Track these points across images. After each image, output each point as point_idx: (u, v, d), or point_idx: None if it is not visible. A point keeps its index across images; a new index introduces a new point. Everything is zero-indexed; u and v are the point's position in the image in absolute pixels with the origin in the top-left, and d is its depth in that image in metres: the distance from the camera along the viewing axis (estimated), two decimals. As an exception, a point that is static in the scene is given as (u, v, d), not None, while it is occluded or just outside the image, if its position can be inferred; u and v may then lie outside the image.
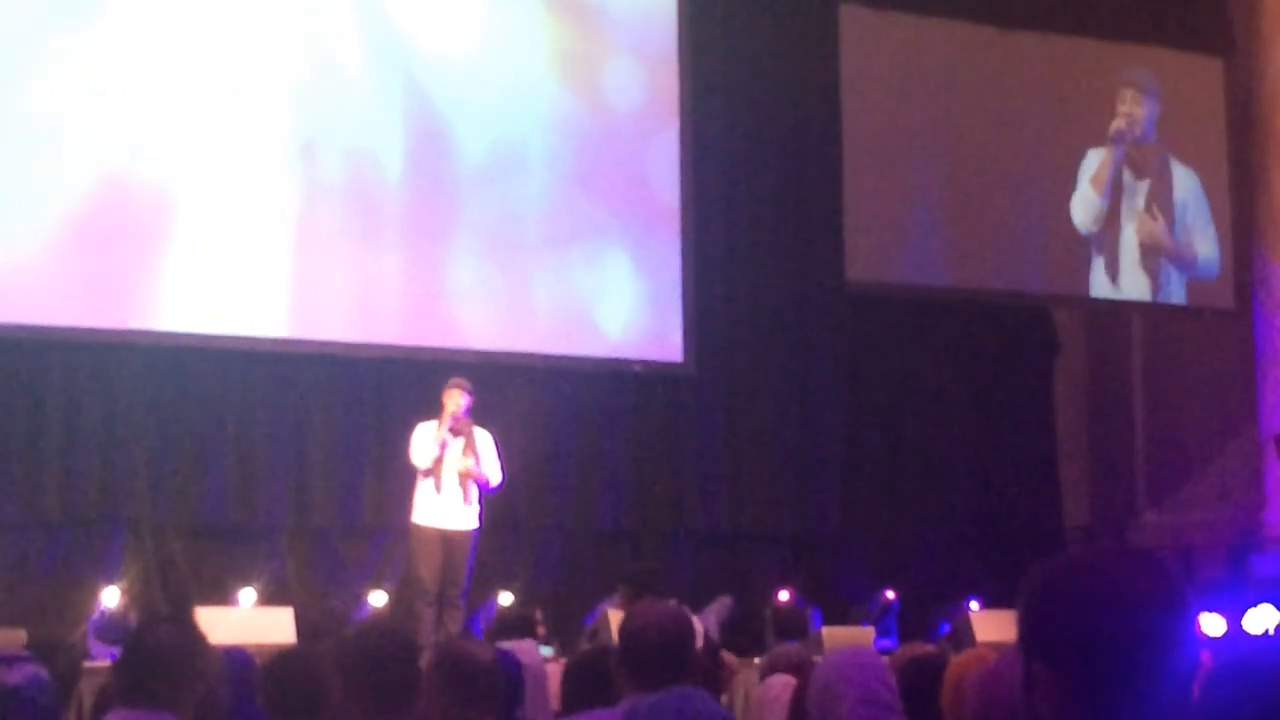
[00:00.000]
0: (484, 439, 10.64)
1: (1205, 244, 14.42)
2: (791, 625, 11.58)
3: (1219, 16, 14.66)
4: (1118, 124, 14.20)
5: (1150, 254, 14.22)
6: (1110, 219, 14.11)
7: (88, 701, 8.30)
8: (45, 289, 10.89)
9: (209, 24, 11.47)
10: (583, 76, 12.70)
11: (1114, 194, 14.12)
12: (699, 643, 4.76)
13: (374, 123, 11.93)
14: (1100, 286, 14.10)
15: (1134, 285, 14.22)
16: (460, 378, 10.65)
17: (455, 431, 10.46)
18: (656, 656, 3.94)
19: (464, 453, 10.48)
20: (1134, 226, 14.19)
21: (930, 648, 6.29)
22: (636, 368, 12.79)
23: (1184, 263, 14.34)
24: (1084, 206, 14.02)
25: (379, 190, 11.89)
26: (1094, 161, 14.11)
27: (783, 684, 6.04)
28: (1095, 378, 15.75)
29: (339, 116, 11.82)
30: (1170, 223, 14.31)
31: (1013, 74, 13.93)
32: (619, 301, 12.59)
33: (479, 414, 10.75)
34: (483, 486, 10.59)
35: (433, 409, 10.59)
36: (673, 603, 5.87)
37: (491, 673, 4.14)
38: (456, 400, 10.47)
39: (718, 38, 13.32)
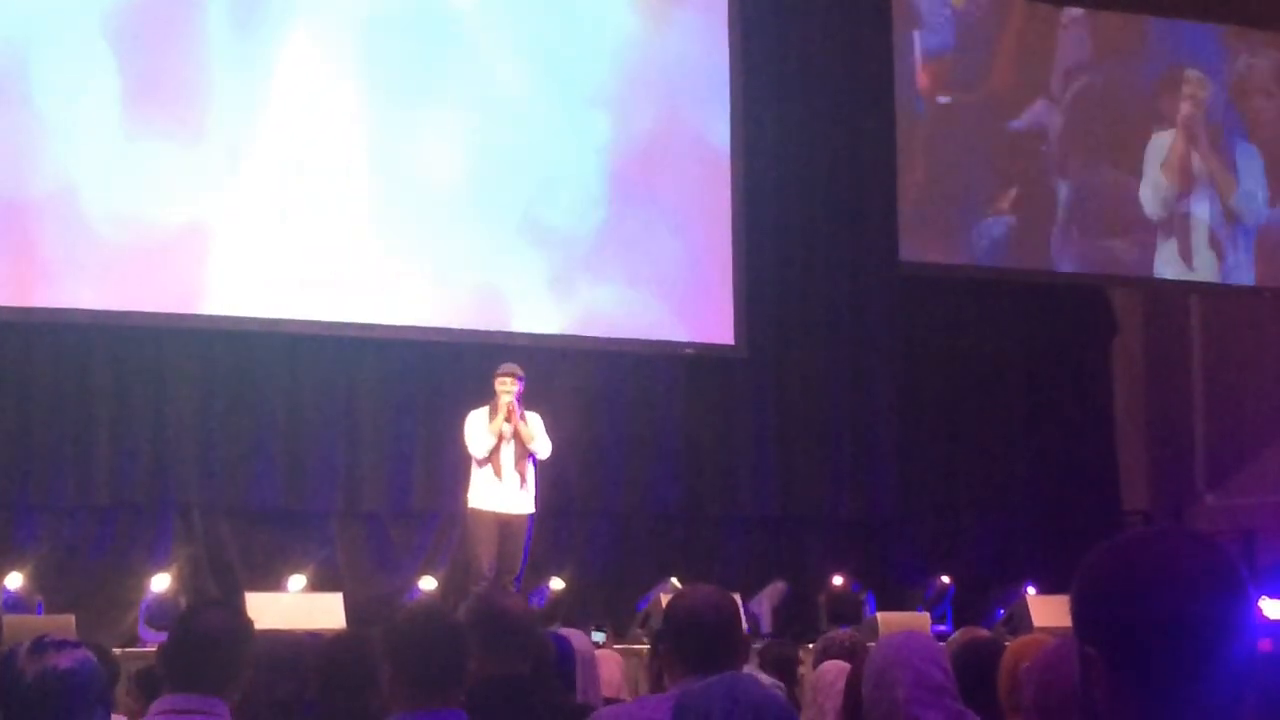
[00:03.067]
0: (534, 421, 10.61)
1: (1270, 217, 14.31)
2: (846, 610, 11.54)
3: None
4: (1185, 109, 14.03)
5: (1218, 233, 14.09)
6: (1179, 202, 13.97)
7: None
8: (94, 273, 10.92)
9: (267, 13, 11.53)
10: (635, 52, 12.65)
11: (1183, 178, 13.98)
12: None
13: (428, 111, 11.90)
14: (1171, 268, 13.97)
15: (1204, 266, 14.09)
16: (511, 364, 10.62)
17: (509, 421, 10.43)
18: (705, 641, 3.90)
19: (515, 436, 10.46)
20: (1203, 207, 14.04)
21: (985, 631, 6.23)
22: (688, 350, 12.73)
23: (1252, 236, 14.23)
24: (1155, 194, 13.88)
25: (429, 174, 11.85)
26: (1161, 145, 13.96)
27: (837, 669, 5.97)
28: (1154, 359, 15.60)
29: (395, 104, 11.81)
30: (1237, 200, 14.17)
31: (1075, 50, 13.80)
32: (670, 283, 12.52)
33: (531, 397, 10.73)
34: (533, 458, 10.58)
35: (484, 393, 10.57)
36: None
37: (525, 624, 4.41)
38: (509, 389, 10.43)
39: (769, 15, 13.23)
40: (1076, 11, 13.83)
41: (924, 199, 13.33)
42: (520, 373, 10.52)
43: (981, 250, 13.50)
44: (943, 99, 13.39)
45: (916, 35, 13.32)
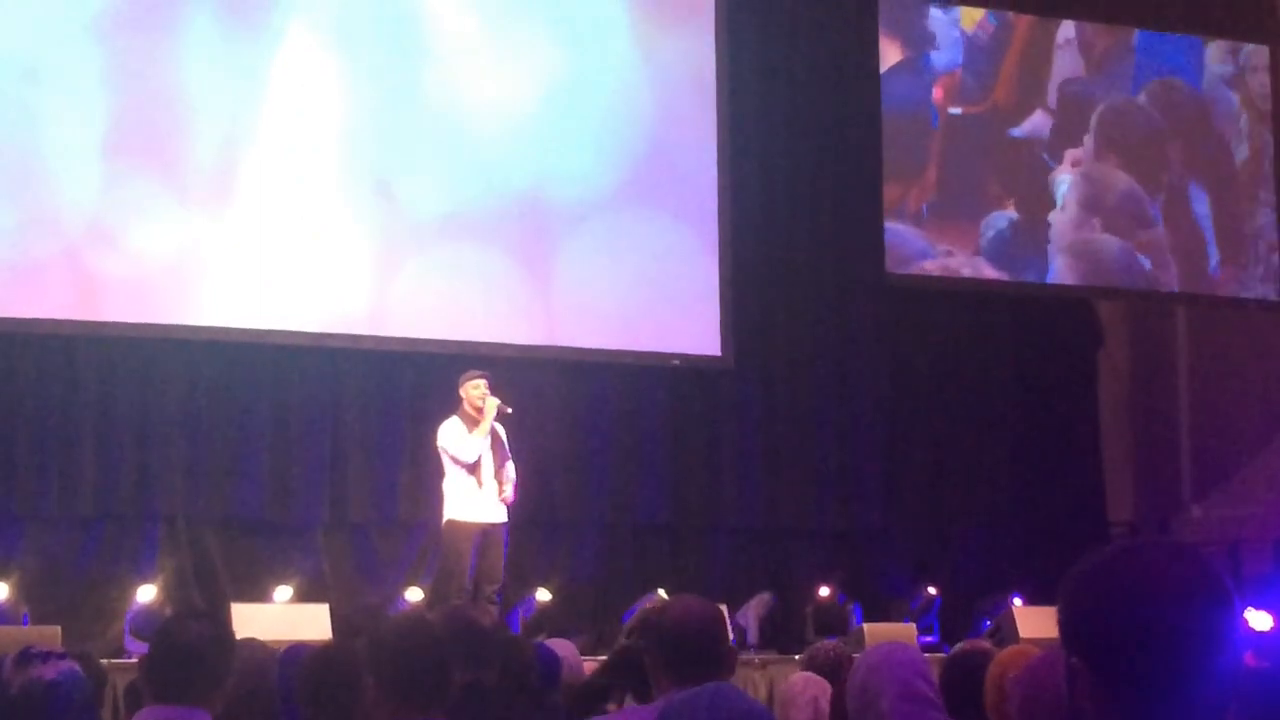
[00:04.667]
0: (500, 432, 10.58)
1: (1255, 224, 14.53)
2: (832, 621, 11.53)
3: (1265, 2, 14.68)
4: (1175, 114, 14.38)
5: (1205, 239, 14.26)
6: (1170, 208, 14.21)
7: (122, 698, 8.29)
8: (80, 285, 10.89)
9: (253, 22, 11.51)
10: (624, 67, 12.64)
11: (1173, 184, 14.26)
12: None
13: (415, 125, 11.89)
14: (1163, 273, 14.11)
15: (1192, 273, 14.23)
16: (474, 369, 10.57)
17: (496, 420, 10.39)
18: (690, 651, 3.89)
19: (493, 447, 10.40)
20: (1191, 212, 14.28)
21: (985, 644, 6.22)
22: (675, 362, 12.72)
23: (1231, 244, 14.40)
24: (1144, 198, 14.16)
25: (415, 187, 11.84)
26: (1151, 150, 14.28)
27: (804, 680, 5.99)
28: (1139, 370, 15.62)
29: (382, 117, 11.80)
30: (1218, 209, 14.35)
31: (1069, 65, 14.09)
32: (657, 295, 12.51)
33: (518, 408, 10.68)
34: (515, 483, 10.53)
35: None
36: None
37: (494, 635, 4.68)
38: (484, 390, 10.38)
39: (756, 28, 13.25)
40: (1070, 31, 14.13)
41: (936, 199, 13.59)
42: (489, 375, 10.50)
43: (986, 242, 13.65)
44: (954, 110, 13.74)
45: (931, 54, 13.79)
